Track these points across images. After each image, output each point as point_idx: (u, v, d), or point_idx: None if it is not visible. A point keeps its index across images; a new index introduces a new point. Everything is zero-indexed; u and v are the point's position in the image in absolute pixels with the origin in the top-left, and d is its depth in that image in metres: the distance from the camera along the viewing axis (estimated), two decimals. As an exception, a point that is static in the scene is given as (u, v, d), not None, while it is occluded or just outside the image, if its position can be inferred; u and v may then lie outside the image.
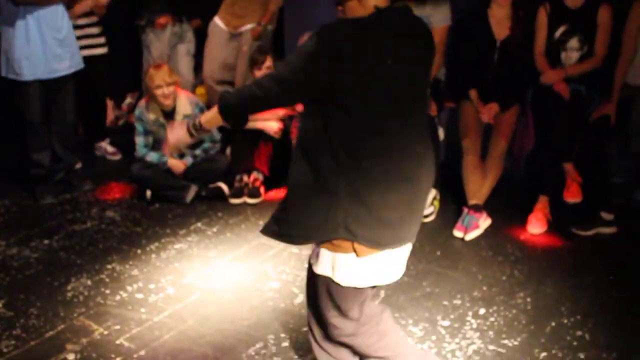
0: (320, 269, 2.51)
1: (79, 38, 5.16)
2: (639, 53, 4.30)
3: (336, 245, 2.43)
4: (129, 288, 3.86)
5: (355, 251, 2.42)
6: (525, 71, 4.60)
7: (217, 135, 5.19)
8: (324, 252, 2.48)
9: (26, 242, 4.41)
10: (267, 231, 2.59)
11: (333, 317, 2.59)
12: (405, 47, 2.38)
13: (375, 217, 2.38)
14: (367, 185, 2.36)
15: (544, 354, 3.24)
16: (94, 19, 5.50)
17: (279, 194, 5.16)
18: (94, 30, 5.52)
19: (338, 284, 2.49)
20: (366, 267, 2.46)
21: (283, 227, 2.52)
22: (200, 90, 5.97)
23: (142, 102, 5.13)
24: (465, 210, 4.47)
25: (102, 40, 5.60)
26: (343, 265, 2.45)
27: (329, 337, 2.70)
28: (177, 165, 5.03)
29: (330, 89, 2.29)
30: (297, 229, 2.48)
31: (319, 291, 2.58)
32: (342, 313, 2.57)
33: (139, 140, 5.06)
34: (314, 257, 2.56)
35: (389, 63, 2.32)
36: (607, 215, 4.44)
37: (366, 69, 2.29)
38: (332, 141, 2.34)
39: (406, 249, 2.60)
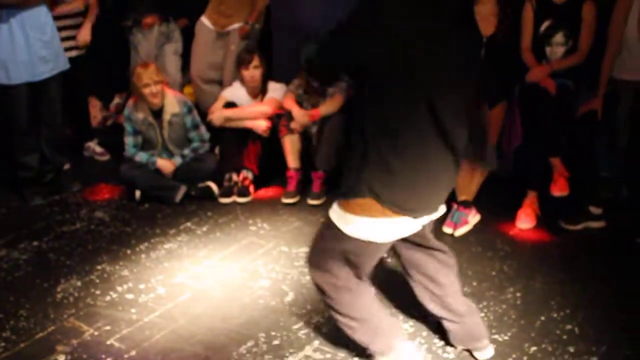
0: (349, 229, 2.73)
1: (63, 40, 5.14)
2: (625, 47, 4.31)
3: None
4: (119, 288, 3.86)
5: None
6: (512, 67, 4.61)
7: (206, 135, 5.19)
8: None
9: (15, 244, 4.40)
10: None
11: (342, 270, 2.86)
12: None
13: (400, 183, 2.61)
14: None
15: (534, 348, 3.26)
16: (78, 20, 5.48)
17: (268, 192, 5.16)
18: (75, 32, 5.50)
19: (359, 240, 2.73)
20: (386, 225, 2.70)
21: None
22: (188, 89, 5.96)
23: (131, 102, 5.13)
24: (455, 206, 4.49)
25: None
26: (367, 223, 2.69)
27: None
28: (166, 165, 5.02)
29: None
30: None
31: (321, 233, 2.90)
32: (356, 268, 2.86)
33: (128, 140, 5.05)
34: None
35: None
36: (595, 210, 4.47)
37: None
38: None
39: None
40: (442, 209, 2.90)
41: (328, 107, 5.02)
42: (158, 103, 4.96)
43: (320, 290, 2.96)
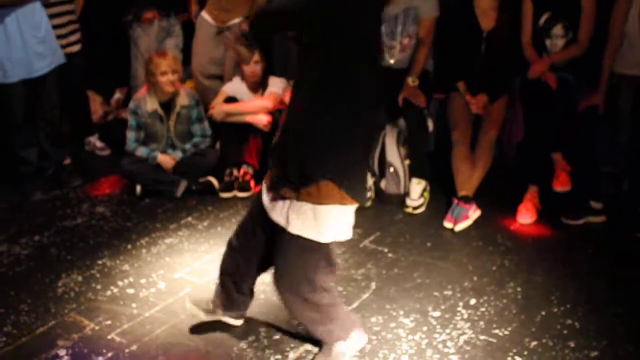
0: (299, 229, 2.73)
1: (63, 37, 5.14)
2: (627, 41, 4.30)
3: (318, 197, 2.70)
4: (120, 283, 3.86)
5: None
6: (513, 61, 4.61)
7: (209, 130, 5.19)
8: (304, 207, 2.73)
9: (17, 239, 4.40)
10: None
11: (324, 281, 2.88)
12: None
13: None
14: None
15: (534, 343, 3.26)
16: (73, 17, 5.46)
17: (269, 187, 5.15)
18: (72, 27, 5.48)
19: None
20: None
21: None
22: (190, 84, 5.94)
23: (140, 94, 5.12)
24: (455, 201, 4.49)
25: (77, 37, 5.56)
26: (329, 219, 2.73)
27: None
28: (167, 160, 5.02)
29: None
30: None
31: (298, 256, 2.82)
32: (330, 271, 2.88)
33: (131, 134, 5.05)
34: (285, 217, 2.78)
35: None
36: (596, 205, 4.46)
37: None
38: None
39: None
40: None
41: None
42: (172, 92, 4.97)
43: (311, 320, 3.00)
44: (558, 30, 4.46)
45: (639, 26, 4.25)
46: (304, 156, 2.67)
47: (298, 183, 2.68)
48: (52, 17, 4.99)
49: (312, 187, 2.66)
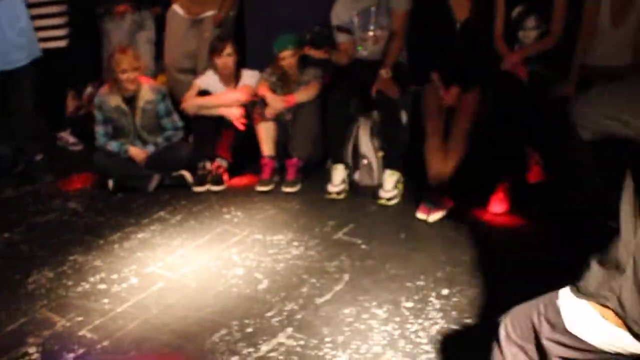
0: None
1: (39, 29, 5.08)
2: (597, 33, 4.33)
3: None
4: (91, 279, 3.83)
5: None
6: (486, 52, 4.62)
7: (179, 123, 5.16)
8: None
9: (-14, 236, 4.36)
10: None
11: None
12: None
13: None
14: None
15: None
16: (55, 9, 5.41)
17: (242, 180, 5.15)
18: (56, 21, 5.43)
19: None
20: None
21: None
22: (162, 78, 5.90)
23: (104, 89, 5.09)
24: (429, 192, 4.49)
25: (64, 32, 5.51)
26: None
27: None
28: (138, 153, 4.99)
29: None
30: None
31: None
32: None
33: (99, 129, 5.02)
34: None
35: None
36: (569, 194, 4.49)
37: None
38: None
39: None
40: None
41: (303, 94, 5.01)
42: (133, 89, 4.93)
43: None
44: (531, 22, 4.48)
45: (609, 18, 4.28)
46: None
47: None
48: (38, 5, 4.96)
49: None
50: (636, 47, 4.27)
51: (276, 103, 4.98)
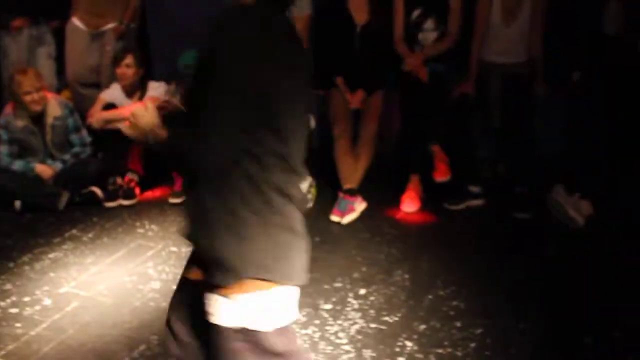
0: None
1: None
2: (490, 31, 4.49)
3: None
4: (1, 303, 3.70)
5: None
6: (388, 54, 4.72)
7: (87, 138, 5.07)
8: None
9: None
10: None
11: None
12: None
13: None
14: None
15: (423, 326, 3.36)
16: None
17: (155, 193, 5.09)
18: None
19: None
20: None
21: None
22: (66, 93, 5.76)
23: (8, 110, 4.94)
24: (341, 195, 4.56)
25: None
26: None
27: None
28: (45, 170, 4.88)
29: None
30: None
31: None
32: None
33: (3, 149, 4.88)
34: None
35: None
36: (474, 188, 4.64)
37: None
38: None
39: None
40: None
41: None
42: (39, 109, 4.82)
43: None
44: (429, 24, 4.60)
45: (501, 16, 4.46)
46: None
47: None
48: None
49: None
50: (529, 44, 4.46)
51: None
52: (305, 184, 4.72)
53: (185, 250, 4.15)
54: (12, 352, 3.28)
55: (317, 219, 4.54)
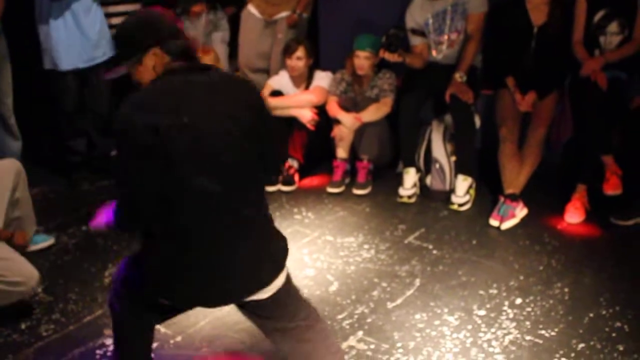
0: None
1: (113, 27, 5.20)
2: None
3: None
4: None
5: None
6: (564, 57, 4.53)
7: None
8: None
9: (64, 229, 4.47)
10: None
11: None
12: None
13: None
14: None
15: (582, 345, 3.20)
16: (129, 7, 5.51)
17: (313, 181, 5.16)
18: None
19: None
20: None
21: None
22: (235, 78, 5.96)
23: None
24: (502, 199, 4.42)
25: None
26: None
27: None
28: None
29: None
30: None
31: None
32: None
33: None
34: None
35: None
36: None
37: None
38: None
39: None
40: None
41: (373, 112, 4.95)
42: None
43: None
44: (613, 27, 4.36)
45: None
46: None
47: None
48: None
49: None
50: None
51: (348, 122, 4.94)
52: (466, 184, 4.63)
53: (341, 240, 4.20)
54: (173, 321, 3.42)
55: (474, 222, 4.44)
